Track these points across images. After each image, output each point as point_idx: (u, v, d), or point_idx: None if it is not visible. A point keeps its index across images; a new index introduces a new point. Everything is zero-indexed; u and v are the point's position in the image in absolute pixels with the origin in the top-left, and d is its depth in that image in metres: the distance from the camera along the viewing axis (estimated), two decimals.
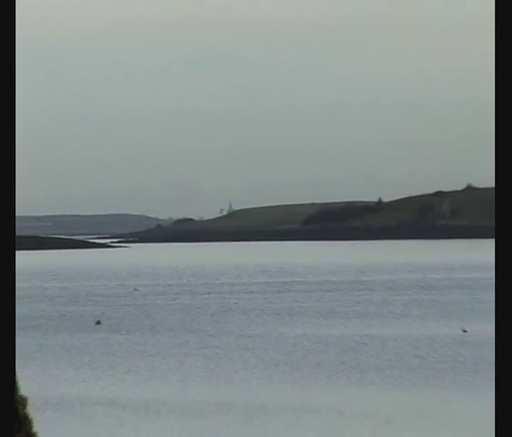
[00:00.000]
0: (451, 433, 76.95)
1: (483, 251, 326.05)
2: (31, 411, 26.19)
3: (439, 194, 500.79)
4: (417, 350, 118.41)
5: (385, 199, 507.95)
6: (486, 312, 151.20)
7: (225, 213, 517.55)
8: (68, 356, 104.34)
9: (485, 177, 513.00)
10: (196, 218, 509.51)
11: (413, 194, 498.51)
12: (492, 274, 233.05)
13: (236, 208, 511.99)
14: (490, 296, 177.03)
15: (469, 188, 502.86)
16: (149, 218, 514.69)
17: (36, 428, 25.74)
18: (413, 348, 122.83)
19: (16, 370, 27.21)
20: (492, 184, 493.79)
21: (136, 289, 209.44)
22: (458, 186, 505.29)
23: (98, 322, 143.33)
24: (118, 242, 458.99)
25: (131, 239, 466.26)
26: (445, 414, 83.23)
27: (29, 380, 23.42)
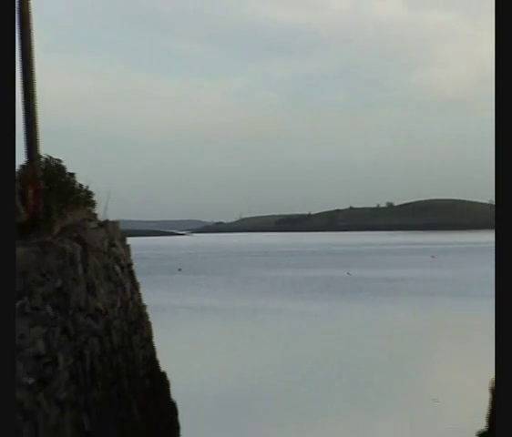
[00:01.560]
0: (344, 326, 76.85)
1: (357, 238, 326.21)
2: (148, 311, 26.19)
3: (337, 211, 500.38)
4: (326, 283, 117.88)
5: (312, 213, 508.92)
6: (360, 265, 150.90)
7: (238, 218, 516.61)
8: (165, 286, 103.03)
9: (358, 201, 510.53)
10: (224, 221, 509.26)
11: (324, 210, 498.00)
12: (363, 248, 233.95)
13: (243, 216, 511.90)
14: (363, 257, 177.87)
15: (351, 208, 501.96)
16: (202, 221, 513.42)
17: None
18: (323, 282, 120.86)
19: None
20: (362, 205, 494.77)
21: (196, 255, 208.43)
22: (346, 206, 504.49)
23: (180, 269, 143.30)
24: (188, 233, 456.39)
25: (194, 232, 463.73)
26: (339, 313, 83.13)
27: (145, 297, 23.19)
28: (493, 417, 27.96)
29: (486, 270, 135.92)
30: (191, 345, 61.29)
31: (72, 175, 23.18)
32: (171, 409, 24.73)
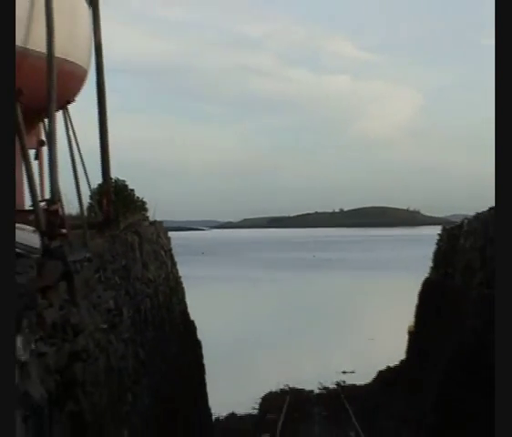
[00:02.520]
0: (310, 287, 76.57)
1: (320, 232, 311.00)
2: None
3: (308, 214, 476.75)
4: (299, 261, 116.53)
5: (291, 215, 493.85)
6: (322, 250, 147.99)
7: (242, 219, 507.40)
8: (193, 263, 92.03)
9: (321, 207, 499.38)
10: (233, 220, 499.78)
11: (299, 213, 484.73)
12: (324, 239, 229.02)
13: (245, 217, 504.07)
14: (324, 245, 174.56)
15: (316, 212, 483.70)
16: (217, 220, 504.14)
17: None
18: (298, 261, 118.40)
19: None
20: (323, 210, 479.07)
21: (213, 244, 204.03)
22: (313, 211, 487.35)
23: (203, 253, 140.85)
24: (207, 229, 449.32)
25: (211, 228, 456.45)
26: (308, 280, 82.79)
27: (180, 271, 22.91)
28: (409, 350, 28.00)
29: (401, 253, 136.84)
30: (210, 302, 61.06)
31: (132, 190, 23.34)
32: (197, 345, 24.62)
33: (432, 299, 25.09)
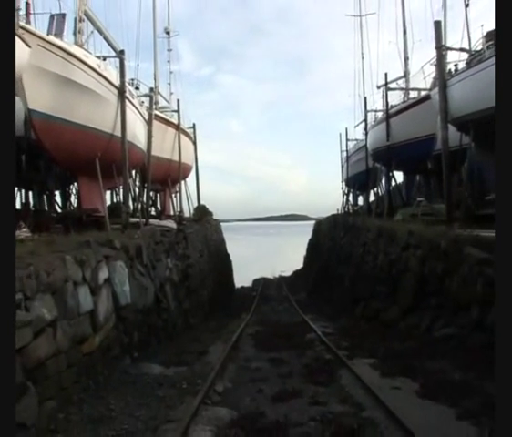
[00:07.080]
0: (275, 240, 67.72)
1: (274, 224, 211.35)
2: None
3: (269, 216, 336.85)
4: (267, 233, 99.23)
5: (263, 216, 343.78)
6: (276, 229, 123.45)
7: (246, 218, 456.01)
8: (227, 233, 45.67)
9: (275, 213, 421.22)
10: (241, 218, 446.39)
11: (268, 215, 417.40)
12: (275, 226, 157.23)
13: (247, 217, 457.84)
14: (277, 227, 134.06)
15: (271, 216, 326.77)
16: (236, 218, 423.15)
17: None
18: (267, 233, 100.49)
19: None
20: (276, 214, 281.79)
21: (235, 228, 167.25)
22: (269, 214, 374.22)
23: (231, 231, 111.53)
24: (233, 221, 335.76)
25: (234, 221, 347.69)
26: (271, 239, 77.69)
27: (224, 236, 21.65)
28: (304, 264, 26.70)
29: (303, 229, 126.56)
30: (234, 246, 57.08)
31: (207, 207, 23.28)
32: (230, 262, 23.91)
33: (312, 247, 25.52)
